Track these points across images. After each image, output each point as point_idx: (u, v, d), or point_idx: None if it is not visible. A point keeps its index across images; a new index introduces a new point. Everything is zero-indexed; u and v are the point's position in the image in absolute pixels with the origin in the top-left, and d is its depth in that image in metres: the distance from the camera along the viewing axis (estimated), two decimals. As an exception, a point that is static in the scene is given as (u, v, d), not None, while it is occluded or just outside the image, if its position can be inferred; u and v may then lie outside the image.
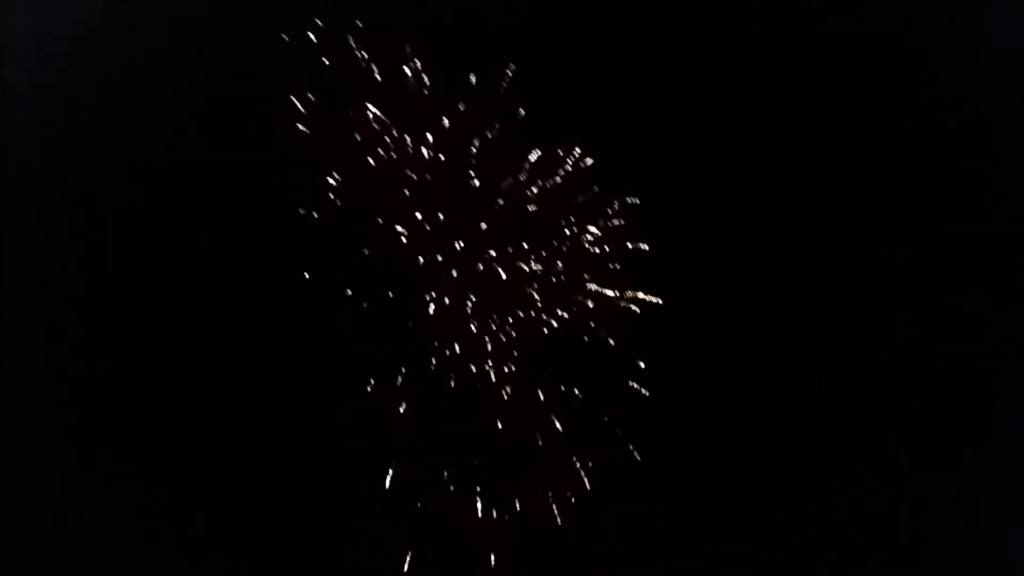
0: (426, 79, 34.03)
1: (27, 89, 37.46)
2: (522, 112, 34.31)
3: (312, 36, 34.49)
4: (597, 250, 34.90)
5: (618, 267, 35.16)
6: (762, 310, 37.55)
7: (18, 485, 35.68)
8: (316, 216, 33.68)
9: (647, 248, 35.38)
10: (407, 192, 34.16)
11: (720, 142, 37.52)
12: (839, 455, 36.95)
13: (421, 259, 34.31)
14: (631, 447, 35.04)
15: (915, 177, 38.21)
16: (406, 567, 34.77)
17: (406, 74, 33.85)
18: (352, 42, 33.78)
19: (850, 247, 37.85)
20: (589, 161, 34.75)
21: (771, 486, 37.13)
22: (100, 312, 36.52)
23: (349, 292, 33.58)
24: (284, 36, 34.61)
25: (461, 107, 33.93)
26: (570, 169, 34.54)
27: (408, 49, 34.03)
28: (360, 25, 34.15)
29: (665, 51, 37.98)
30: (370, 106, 34.72)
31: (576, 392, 34.58)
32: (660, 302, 35.43)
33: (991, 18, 38.63)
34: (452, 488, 34.47)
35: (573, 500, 34.96)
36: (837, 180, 37.95)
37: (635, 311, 35.26)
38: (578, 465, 34.95)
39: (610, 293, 35.09)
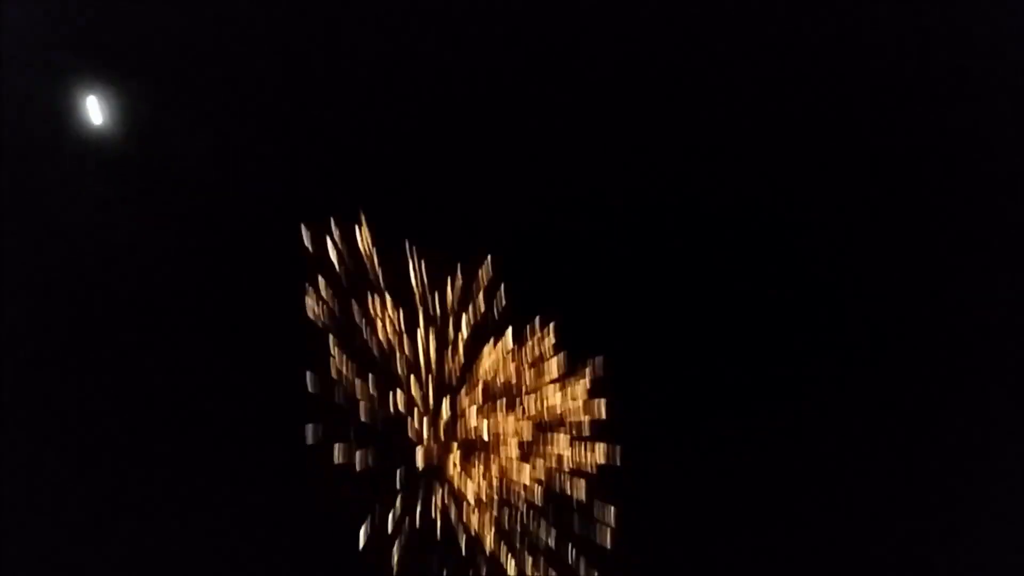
0: (422, 267, 33.07)
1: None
2: (502, 294, 33.31)
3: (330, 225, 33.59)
4: (568, 408, 33.56)
5: (583, 427, 33.49)
6: (752, 312, 35.59)
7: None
8: (319, 379, 31.99)
9: (609, 410, 33.61)
10: (401, 361, 32.72)
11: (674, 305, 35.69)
12: (829, 452, 34.77)
13: (412, 420, 32.65)
14: None
15: (905, 182, 35.80)
16: None
17: (402, 262, 33.05)
18: (359, 237, 33.12)
19: (842, 252, 35.69)
20: (553, 338, 33.68)
21: (762, 480, 34.81)
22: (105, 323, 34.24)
23: (343, 447, 32.00)
24: (304, 229, 33.16)
25: (449, 291, 33.09)
26: (542, 340, 33.37)
27: (407, 242, 33.19)
28: (365, 220, 33.34)
29: (626, 234, 36.36)
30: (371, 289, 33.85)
31: (550, 539, 32.65)
32: (619, 461, 33.40)
33: (988, 21, 35.93)
34: (440, 636, 29.58)
35: None
36: (825, 186, 35.78)
37: (599, 467, 33.34)
38: None
39: (576, 450, 33.22)
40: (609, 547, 33.05)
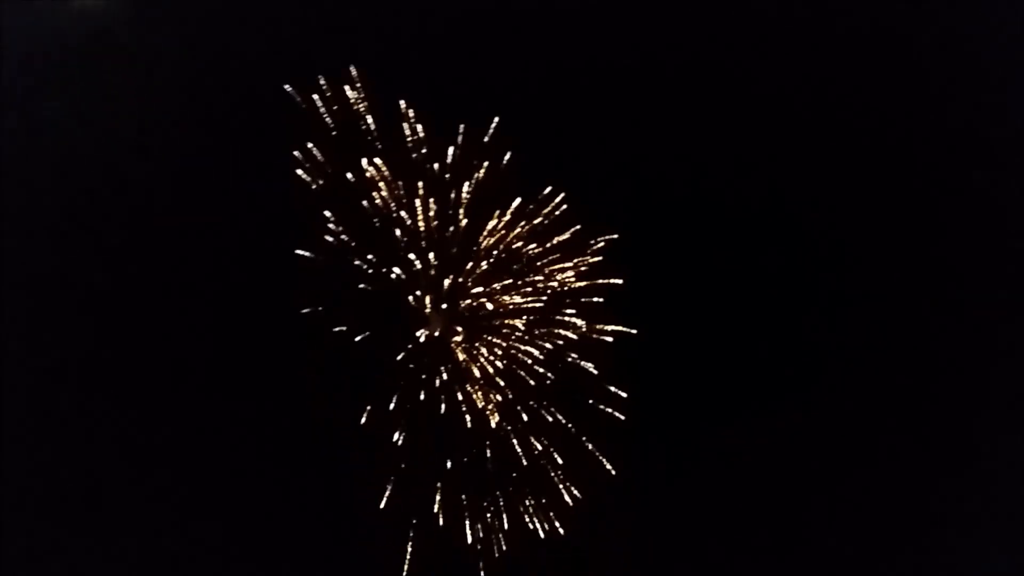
0: (419, 129, 30.59)
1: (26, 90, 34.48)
2: (506, 159, 31.05)
3: (315, 86, 31.47)
4: (578, 285, 31.57)
5: (597, 300, 31.58)
6: (752, 313, 34.41)
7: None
8: (313, 255, 30.33)
9: (622, 282, 31.76)
10: (399, 233, 30.77)
11: (705, 147, 34.60)
12: (829, 452, 33.89)
13: (413, 295, 30.72)
14: (611, 467, 31.22)
15: (905, 183, 35.02)
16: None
17: (400, 124, 30.63)
18: (350, 93, 30.61)
19: (842, 252, 34.70)
20: (564, 205, 31.47)
21: (761, 480, 33.68)
22: (105, 324, 33.66)
23: (344, 327, 30.07)
24: (288, 87, 31.29)
25: (450, 155, 30.61)
26: (551, 211, 31.38)
27: (402, 101, 30.63)
28: (357, 77, 31.08)
29: (638, 103, 34.54)
30: (365, 154, 31.58)
31: (559, 416, 30.86)
32: (635, 332, 31.63)
33: (986, 24, 35.18)
34: (443, 510, 30.62)
35: (557, 519, 31.44)
36: (825, 187, 34.42)
37: (611, 341, 31.57)
38: (562, 486, 31.23)
39: (588, 325, 31.42)
40: (622, 421, 31.82)
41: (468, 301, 31.62)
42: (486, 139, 31.18)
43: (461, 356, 31.39)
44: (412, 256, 31.22)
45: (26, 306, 32.76)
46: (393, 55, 32.87)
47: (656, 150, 34.23)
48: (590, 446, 31.16)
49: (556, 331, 31.59)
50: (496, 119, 31.02)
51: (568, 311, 31.64)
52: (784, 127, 34.53)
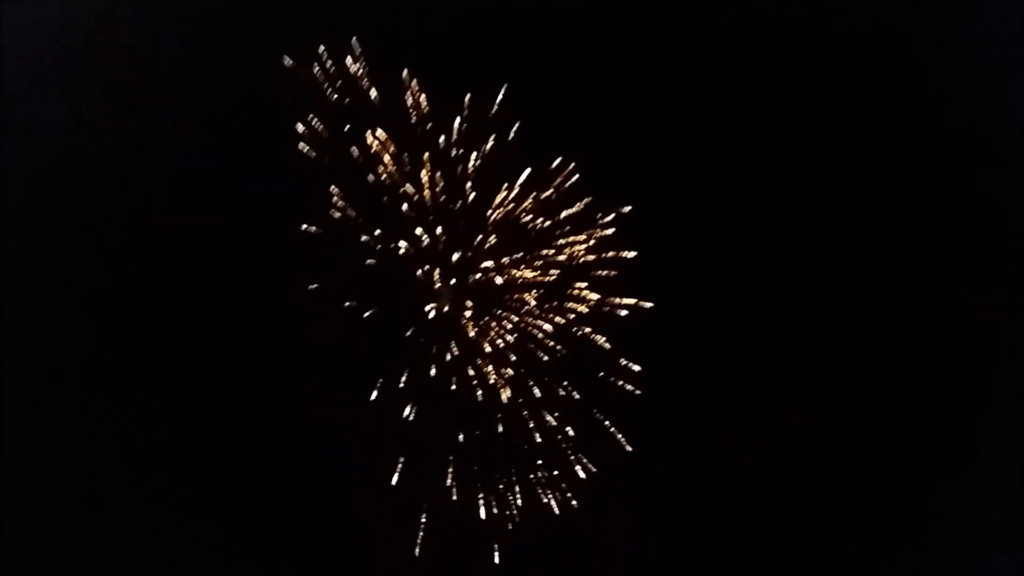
0: (423, 100, 30.22)
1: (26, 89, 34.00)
2: (514, 130, 30.70)
3: (315, 58, 31.18)
4: (590, 258, 30.95)
5: (610, 274, 31.22)
6: (752, 313, 33.73)
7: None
8: (319, 230, 29.97)
9: (636, 255, 31.54)
10: (406, 207, 30.41)
11: (706, 151, 33.83)
12: (829, 452, 33.19)
13: (421, 269, 30.43)
14: (626, 443, 30.86)
15: (905, 183, 34.40)
16: (412, 566, 30.27)
17: (404, 96, 30.28)
18: (353, 65, 30.29)
19: (841, 252, 33.96)
20: (576, 176, 31.08)
21: (761, 480, 33.16)
22: (105, 324, 32.93)
23: (352, 302, 29.53)
24: (287, 57, 31.01)
25: (456, 127, 30.22)
26: (561, 183, 31.04)
27: (406, 72, 30.43)
28: (359, 49, 30.85)
29: (650, 69, 34.09)
30: (370, 126, 31.00)
31: (572, 392, 30.48)
32: (651, 306, 31.41)
33: (986, 25, 34.58)
34: (456, 488, 30.09)
35: (571, 496, 30.75)
36: (825, 186, 33.76)
37: (626, 315, 31.28)
38: (575, 462, 30.94)
39: (602, 298, 31.09)
40: (635, 396, 31.58)
41: (478, 275, 31.34)
42: (491, 114, 30.88)
43: (471, 331, 31.10)
44: (419, 230, 30.94)
45: (26, 306, 32.39)
46: (393, 56, 32.15)
47: (654, 151, 33.75)
48: (600, 418, 31.02)
49: (567, 304, 31.29)
50: (504, 87, 30.84)
51: (579, 284, 31.32)
52: (784, 127, 34.08)
